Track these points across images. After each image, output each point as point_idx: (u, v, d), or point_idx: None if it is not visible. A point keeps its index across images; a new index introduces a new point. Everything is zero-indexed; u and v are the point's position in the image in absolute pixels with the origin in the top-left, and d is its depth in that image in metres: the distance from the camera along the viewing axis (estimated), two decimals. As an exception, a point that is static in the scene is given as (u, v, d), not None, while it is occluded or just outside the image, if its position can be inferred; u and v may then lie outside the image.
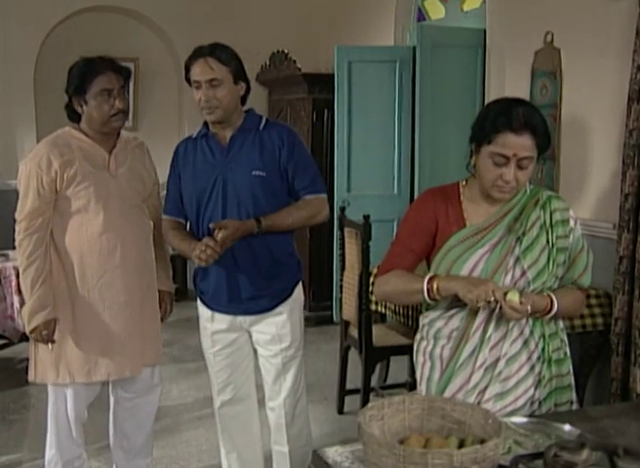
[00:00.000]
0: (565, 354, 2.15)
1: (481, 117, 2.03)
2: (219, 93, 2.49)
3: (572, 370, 2.17)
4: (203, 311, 2.74)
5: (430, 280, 2.03)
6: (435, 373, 2.13)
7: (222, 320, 2.69)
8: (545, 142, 2.00)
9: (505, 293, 1.92)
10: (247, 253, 2.56)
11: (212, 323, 2.71)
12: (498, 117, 1.96)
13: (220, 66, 2.49)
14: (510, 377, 2.05)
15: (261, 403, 2.86)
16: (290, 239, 2.68)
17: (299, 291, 2.72)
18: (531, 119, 1.95)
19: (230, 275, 2.60)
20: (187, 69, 2.54)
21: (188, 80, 2.55)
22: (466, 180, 2.14)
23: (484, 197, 2.09)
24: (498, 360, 2.04)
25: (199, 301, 2.75)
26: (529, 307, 1.93)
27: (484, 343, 2.04)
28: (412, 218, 2.18)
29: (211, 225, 2.49)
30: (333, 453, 1.66)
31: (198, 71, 2.50)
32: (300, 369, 2.75)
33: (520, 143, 1.93)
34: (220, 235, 2.42)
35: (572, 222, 2.10)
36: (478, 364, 2.04)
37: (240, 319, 2.67)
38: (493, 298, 1.90)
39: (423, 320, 2.19)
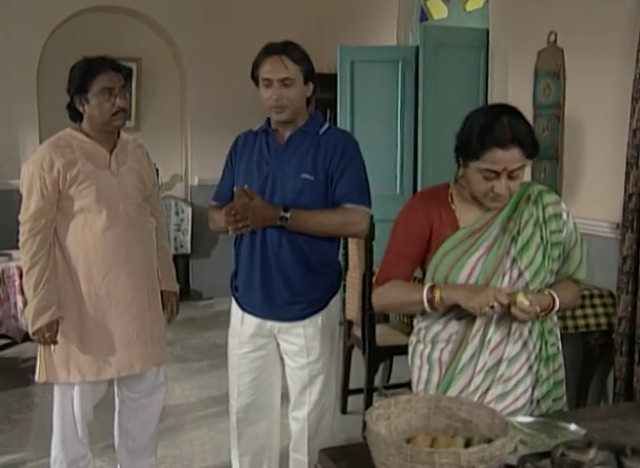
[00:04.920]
0: (557, 348, 2.13)
1: (466, 130, 1.95)
2: (290, 92, 2.43)
3: (563, 364, 2.15)
4: (235, 310, 2.68)
5: (431, 290, 1.98)
6: (434, 377, 2.10)
7: (252, 323, 2.61)
8: (534, 149, 1.94)
9: (511, 295, 1.90)
10: (282, 255, 2.50)
11: (242, 324, 2.65)
12: (483, 134, 1.89)
13: (293, 65, 2.42)
14: (511, 378, 2.04)
15: (284, 404, 2.78)
16: (330, 249, 2.59)
17: (335, 303, 2.63)
18: (516, 131, 1.89)
19: (264, 276, 2.53)
20: (256, 66, 2.46)
21: (254, 78, 2.48)
22: (455, 180, 2.09)
23: (475, 198, 2.04)
24: (499, 362, 2.03)
25: (233, 299, 2.69)
26: (537, 308, 1.93)
27: (484, 346, 2.02)
28: (403, 225, 2.12)
29: (246, 186, 2.39)
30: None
31: (270, 69, 2.42)
32: (329, 382, 2.64)
33: (509, 158, 1.89)
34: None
35: (565, 216, 2.07)
36: (479, 367, 2.03)
37: (270, 324, 2.59)
38: (497, 303, 1.88)
39: (420, 323, 2.15)
